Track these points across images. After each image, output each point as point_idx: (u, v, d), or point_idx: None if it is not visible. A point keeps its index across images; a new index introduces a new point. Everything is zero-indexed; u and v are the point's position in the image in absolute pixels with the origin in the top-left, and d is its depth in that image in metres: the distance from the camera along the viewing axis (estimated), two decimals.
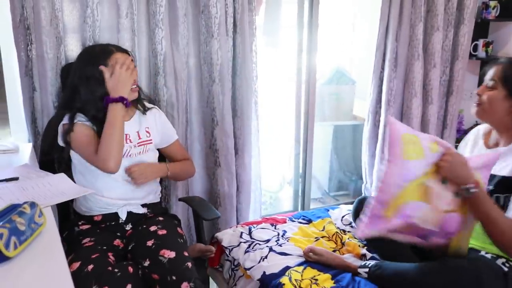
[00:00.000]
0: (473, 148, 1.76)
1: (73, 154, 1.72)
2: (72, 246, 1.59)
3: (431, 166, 1.51)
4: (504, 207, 1.54)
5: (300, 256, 1.83)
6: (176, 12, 2.12)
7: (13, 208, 1.10)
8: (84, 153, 1.67)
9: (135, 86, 1.75)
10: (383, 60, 2.83)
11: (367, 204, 1.57)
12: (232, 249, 1.93)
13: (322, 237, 2.01)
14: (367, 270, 1.65)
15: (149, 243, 1.60)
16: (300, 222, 2.16)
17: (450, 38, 2.91)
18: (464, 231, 1.54)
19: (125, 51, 1.75)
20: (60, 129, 1.69)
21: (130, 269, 1.50)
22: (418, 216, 1.50)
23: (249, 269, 1.79)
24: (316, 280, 1.66)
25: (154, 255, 1.54)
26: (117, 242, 1.67)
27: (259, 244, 1.92)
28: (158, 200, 1.90)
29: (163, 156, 1.96)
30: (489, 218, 1.48)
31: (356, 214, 1.85)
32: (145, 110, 1.83)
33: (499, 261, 1.55)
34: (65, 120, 1.68)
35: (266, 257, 1.82)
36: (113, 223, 1.73)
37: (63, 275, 1.01)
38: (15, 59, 1.91)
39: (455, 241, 1.56)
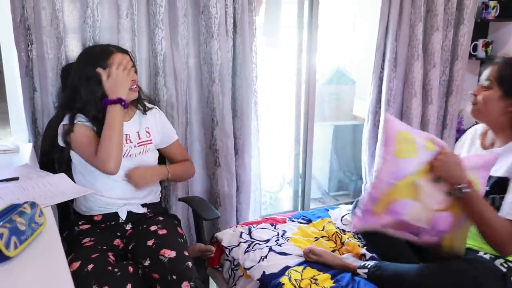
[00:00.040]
0: (470, 148, 1.76)
1: (73, 154, 1.72)
2: (72, 246, 1.59)
3: (425, 164, 1.51)
4: (499, 208, 1.53)
5: (299, 256, 1.83)
6: (176, 12, 2.12)
7: (13, 208, 1.10)
8: (84, 153, 1.67)
9: (135, 86, 1.75)
10: (383, 60, 2.83)
11: (362, 198, 1.60)
12: (232, 249, 1.94)
13: (322, 237, 2.02)
14: (366, 270, 1.65)
15: (150, 242, 1.60)
16: (300, 222, 2.16)
17: (449, 38, 2.91)
18: (457, 231, 1.54)
19: (125, 52, 1.76)
20: (60, 129, 1.69)
21: (130, 268, 1.50)
22: (408, 214, 1.52)
23: (249, 269, 1.79)
24: (316, 280, 1.66)
25: (155, 255, 1.55)
26: (117, 242, 1.68)
27: (259, 244, 1.92)
28: (158, 200, 1.90)
29: (163, 157, 1.97)
30: (482, 218, 1.48)
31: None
32: (145, 110, 1.83)
33: (498, 262, 1.54)
34: (65, 121, 1.68)
35: (265, 257, 1.82)
36: (113, 223, 1.73)
37: (63, 274, 1.01)
38: (15, 59, 1.91)
39: (447, 240, 1.56)
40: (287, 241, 1.95)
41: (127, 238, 1.71)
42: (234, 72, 2.36)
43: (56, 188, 1.47)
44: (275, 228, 2.08)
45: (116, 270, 1.47)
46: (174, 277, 1.47)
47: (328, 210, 2.29)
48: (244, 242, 1.95)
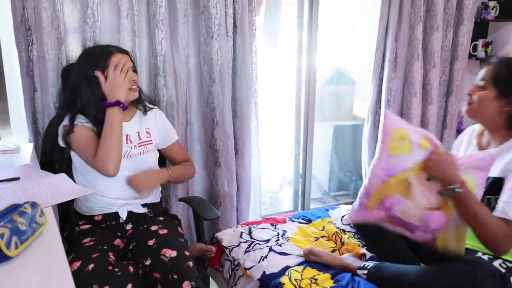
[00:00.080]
0: (466, 148, 1.76)
1: (73, 154, 1.73)
2: (72, 246, 1.59)
3: (419, 162, 1.53)
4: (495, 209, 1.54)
5: (300, 256, 1.83)
6: (176, 13, 2.13)
7: (14, 208, 1.10)
8: (84, 155, 1.68)
9: (135, 86, 1.75)
10: (383, 60, 2.84)
11: (359, 192, 1.62)
12: (232, 249, 1.94)
13: (322, 236, 2.02)
14: (366, 271, 1.66)
15: (150, 242, 1.61)
16: (300, 222, 2.16)
17: (449, 38, 2.92)
18: (450, 231, 1.54)
19: (125, 52, 1.76)
20: (60, 130, 1.70)
21: (131, 268, 1.50)
22: (399, 210, 1.54)
23: (249, 269, 1.79)
24: (316, 279, 1.67)
25: (156, 254, 1.55)
26: (117, 241, 1.68)
27: (259, 244, 1.93)
28: (158, 200, 1.90)
29: (163, 157, 1.97)
30: (476, 218, 1.47)
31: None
32: (145, 110, 1.84)
33: (496, 263, 1.54)
34: (66, 122, 1.69)
35: (266, 257, 1.82)
36: (113, 222, 1.73)
37: (64, 274, 1.02)
38: (16, 59, 1.92)
39: (440, 239, 1.57)
40: (287, 241, 1.96)
41: (128, 238, 1.72)
42: (234, 72, 2.36)
43: (56, 188, 1.47)
44: (275, 228, 2.09)
45: (116, 270, 1.47)
46: (175, 276, 1.48)
47: (328, 210, 2.29)
48: (244, 242, 1.95)
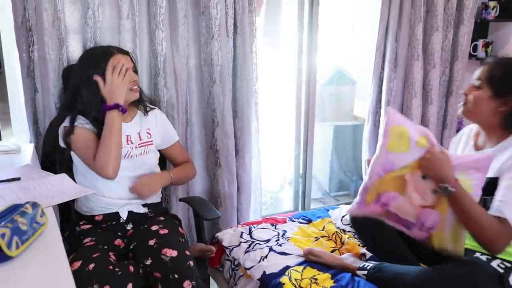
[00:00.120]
0: (464, 148, 1.77)
1: (74, 155, 1.73)
2: (73, 245, 1.60)
3: (416, 160, 1.54)
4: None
5: (300, 255, 1.84)
6: (176, 13, 2.13)
7: (15, 208, 1.11)
8: (83, 156, 1.68)
9: (136, 87, 1.76)
10: (383, 61, 2.84)
11: (360, 187, 1.66)
12: (232, 249, 1.94)
13: (322, 236, 2.02)
14: (365, 272, 1.66)
15: (151, 242, 1.61)
16: (300, 222, 2.16)
17: (449, 38, 2.92)
18: (444, 230, 1.55)
19: (126, 53, 1.77)
20: (60, 131, 1.71)
21: (131, 268, 1.51)
22: (395, 206, 1.57)
23: (249, 268, 1.79)
24: (316, 279, 1.67)
25: (156, 254, 1.56)
26: (118, 241, 1.69)
27: (259, 244, 1.93)
28: (159, 200, 1.91)
29: (164, 158, 1.98)
30: (470, 217, 1.47)
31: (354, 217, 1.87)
32: (146, 111, 1.84)
33: (494, 263, 1.54)
34: (66, 123, 1.69)
35: (266, 256, 1.83)
36: (114, 222, 1.74)
37: (64, 274, 1.02)
38: (17, 60, 1.92)
39: (436, 238, 1.58)
40: (287, 241, 1.96)
41: (128, 238, 1.72)
42: (234, 73, 2.37)
43: (57, 188, 1.47)
44: (275, 228, 2.09)
45: (117, 269, 1.47)
46: (176, 276, 1.48)
47: (328, 210, 2.30)
48: (245, 242, 1.95)
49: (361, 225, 1.84)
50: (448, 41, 2.92)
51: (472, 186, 1.50)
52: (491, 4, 3.05)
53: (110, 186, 1.71)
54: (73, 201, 1.82)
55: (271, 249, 1.87)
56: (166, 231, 1.68)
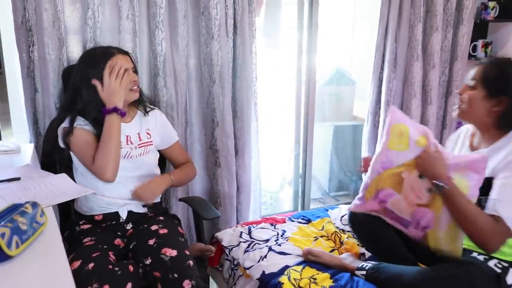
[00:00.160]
0: (461, 148, 1.77)
1: (73, 155, 1.74)
2: (73, 245, 1.60)
3: (413, 159, 1.56)
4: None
5: (299, 255, 1.84)
6: (176, 13, 2.14)
7: (15, 208, 1.11)
8: (82, 158, 1.69)
9: (136, 87, 1.76)
10: (383, 61, 2.84)
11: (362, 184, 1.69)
12: (231, 248, 1.95)
13: (321, 236, 2.03)
14: (364, 272, 1.67)
15: (151, 241, 1.62)
16: (300, 222, 2.17)
17: (449, 38, 2.92)
18: (439, 229, 1.56)
19: (126, 53, 1.77)
20: (59, 131, 1.71)
21: (131, 268, 1.52)
22: (391, 203, 1.60)
23: (248, 268, 1.80)
24: (315, 279, 1.67)
25: (156, 254, 1.56)
26: (117, 241, 1.69)
27: (259, 244, 1.93)
28: (159, 200, 1.91)
29: (163, 158, 1.98)
30: (463, 214, 1.48)
31: (352, 215, 1.87)
32: (146, 111, 1.85)
33: (491, 263, 1.55)
34: (65, 123, 1.70)
35: (265, 256, 1.83)
36: (113, 222, 1.74)
37: (64, 273, 1.03)
38: (17, 60, 1.93)
39: (431, 237, 1.59)
40: (286, 241, 1.96)
41: (128, 237, 1.73)
42: (234, 73, 2.37)
43: (57, 188, 1.48)
44: (274, 228, 2.09)
45: (116, 269, 1.48)
46: (176, 275, 1.48)
47: (327, 210, 2.30)
48: (244, 242, 1.95)
49: (359, 224, 1.84)
50: (447, 41, 2.92)
51: (468, 186, 1.51)
52: (491, 4, 3.06)
53: (110, 186, 1.72)
54: (73, 201, 1.82)
55: (270, 249, 1.88)
56: (165, 230, 1.68)
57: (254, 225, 2.10)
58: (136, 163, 1.78)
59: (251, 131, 2.47)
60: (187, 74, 2.28)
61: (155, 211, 1.84)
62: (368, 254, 1.83)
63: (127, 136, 1.76)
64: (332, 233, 2.03)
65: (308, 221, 2.18)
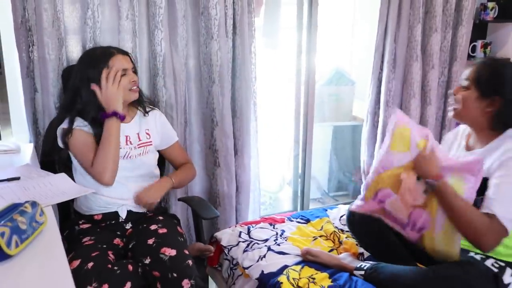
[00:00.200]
0: (457, 148, 1.77)
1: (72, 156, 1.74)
2: (72, 245, 1.60)
3: (412, 160, 1.58)
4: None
5: (298, 255, 1.84)
6: (176, 14, 2.14)
7: (14, 207, 1.12)
8: (81, 160, 1.70)
9: (135, 87, 1.77)
10: (382, 61, 2.85)
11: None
12: (231, 248, 1.95)
13: (320, 236, 2.03)
14: (362, 272, 1.67)
15: (150, 241, 1.62)
16: (299, 222, 2.17)
17: (448, 39, 2.93)
18: (435, 231, 1.56)
19: (125, 53, 1.78)
20: (58, 132, 1.71)
21: (130, 267, 1.52)
22: (389, 204, 1.61)
23: (247, 268, 1.80)
24: (314, 278, 1.68)
25: (155, 253, 1.56)
26: (117, 241, 1.69)
27: (258, 244, 1.94)
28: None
29: (163, 158, 1.98)
30: (456, 212, 1.48)
31: (351, 214, 1.88)
32: (146, 111, 1.85)
33: (488, 262, 1.55)
34: (65, 124, 1.70)
35: (264, 256, 1.84)
36: (113, 222, 1.75)
37: (64, 272, 1.03)
38: (16, 60, 1.93)
39: (428, 239, 1.59)
40: (285, 241, 1.97)
41: (127, 237, 1.73)
42: (233, 73, 2.37)
43: (56, 187, 1.48)
44: (274, 227, 2.10)
45: (115, 268, 1.48)
46: (175, 275, 1.49)
47: (326, 210, 2.31)
48: (243, 242, 1.96)
49: (358, 223, 1.84)
50: (446, 42, 2.93)
51: (464, 188, 1.52)
52: (490, 5, 3.06)
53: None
54: (72, 200, 1.82)
55: (269, 249, 1.88)
56: (165, 230, 1.68)
57: (253, 225, 2.10)
58: (136, 163, 1.78)
59: (250, 131, 2.48)
60: (186, 74, 2.28)
61: (155, 210, 1.85)
62: (366, 254, 1.84)
63: (126, 136, 1.76)
64: (331, 233, 2.03)
65: (307, 221, 2.18)
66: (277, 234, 2.03)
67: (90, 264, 1.46)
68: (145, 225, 1.73)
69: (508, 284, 1.52)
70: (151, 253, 1.57)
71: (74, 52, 2.03)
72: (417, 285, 1.53)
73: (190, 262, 1.55)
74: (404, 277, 1.56)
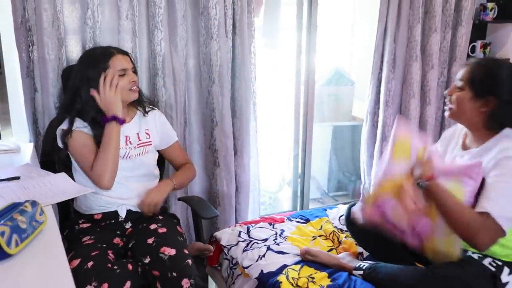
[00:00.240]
0: (454, 147, 1.78)
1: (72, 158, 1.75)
2: (72, 244, 1.61)
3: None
4: None
5: (297, 255, 1.85)
6: (175, 14, 2.14)
7: (14, 207, 1.12)
8: (80, 163, 1.71)
9: (135, 87, 1.77)
10: (382, 61, 2.85)
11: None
12: (230, 248, 1.95)
13: (320, 236, 2.03)
14: (361, 272, 1.67)
15: (150, 240, 1.62)
16: (298, 222, 2.18)
17: (448, 39, 2.93)
18: (436, 237, 1.56)
19: (125, 53, 1.78)
20: (58, 132, 1.72)
21: (130, 266, 1.52)
22: (389, 210, 1.61)
23: (247, 267, 1.81)
24: (313, 278, 1.68)
25: (155, 252, 1.56)
26: (116, 240, 1.70)
27: (257, 243, 1.94)
28: None
29: (162, 158, 1.99)
30: (449, 211, 1.48)
31: (349, 213, 1.88)
32: (146, 111, 1.85)
33: (486, 261, 1.55)
34: (64, 125, 1.71)
35: (264, 255, 1.84)
36: (113, 221, 1.75)
37: (63, 272, 1.03)
38: (16, 60, 1.93)
39: (429, 244, 1.59)
40: (285, 240, 1.97)
41: (127, 236, 1.73)
42: (233, 73, 2.38)
43: (56, 187, 1.49)
44: (273, 227, 2.10)
45: (115, 267, 1.49)
46: (174, 274, 1.49)
47: (326, 210, 2.31)
48: (243, 241, 1.96)
49: (357, 224, 1.84)
50: (446, 42, 2.93)
51: (463, 192, 1.52)
52: (489, 5, 3.06)
53: None
54: (72, 200, 1.83)
55: (269, 248, 1.89)
56: (164, 229, 1.69)
57: (253, 225, 2.10)
58: (135, 163, 1.79)
59: (250, 131, 2.48)
60: (186, 74, 2.29)
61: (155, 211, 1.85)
62: (366, 253, 1.84)
63: (126, 136, 1.77)
64: (330, 233, 2.03)
65: (307, 220, 2.19)
66: (276, 233, 2.03)
67: (90, 264, 1.46)
68: (144, 225, 1.73)
69: (506, 283, 1.53)
70: (151, 253, 1.57)
71: (74, 52, 2.04)
72: (416, 285, 1.53)
73: (189, 261, 1.55)
74: (403, 276, 1.57)
